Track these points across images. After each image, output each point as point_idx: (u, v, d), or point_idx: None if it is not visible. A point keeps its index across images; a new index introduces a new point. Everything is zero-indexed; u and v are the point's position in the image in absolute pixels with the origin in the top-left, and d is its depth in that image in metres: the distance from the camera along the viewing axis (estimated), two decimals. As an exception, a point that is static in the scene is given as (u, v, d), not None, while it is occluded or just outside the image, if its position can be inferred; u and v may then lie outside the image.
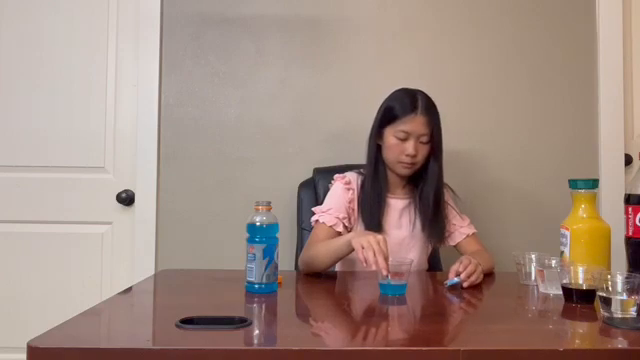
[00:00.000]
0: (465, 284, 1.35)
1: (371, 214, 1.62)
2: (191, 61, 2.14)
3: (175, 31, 2.14)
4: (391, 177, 1.69)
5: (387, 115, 1.64)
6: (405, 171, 1.64)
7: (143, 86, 2.13)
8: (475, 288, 1.39)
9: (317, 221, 1.63)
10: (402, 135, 1.60)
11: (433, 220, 1.65)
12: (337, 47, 2.14)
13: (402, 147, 1.60)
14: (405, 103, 1.62)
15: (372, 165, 1.67)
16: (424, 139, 1.61)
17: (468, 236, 1.70)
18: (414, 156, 1.60)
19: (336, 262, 1.54)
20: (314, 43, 2.14)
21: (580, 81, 2.14)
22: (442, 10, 2.14)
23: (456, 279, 1.36)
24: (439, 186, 1.66)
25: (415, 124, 1.60)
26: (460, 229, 1.70)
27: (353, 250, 1.39)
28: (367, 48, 2.13)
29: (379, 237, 1.34)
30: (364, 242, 1.33)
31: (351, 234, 1.48)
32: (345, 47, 2.14)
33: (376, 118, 1.68)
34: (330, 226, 1.60)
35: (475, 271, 1.38)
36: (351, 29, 2.14)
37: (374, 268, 1.28)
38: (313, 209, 1.68)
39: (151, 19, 2.13)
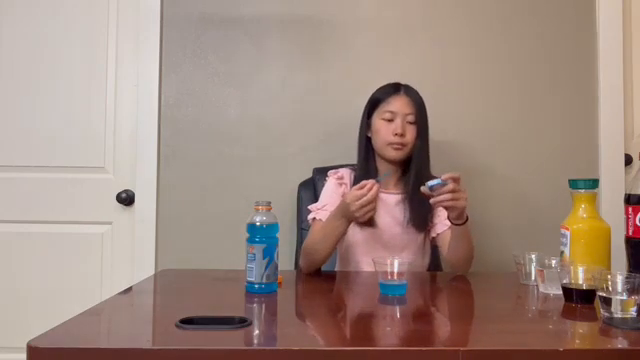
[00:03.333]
0: (450, 185, 1.38)
1: None
2: (191, 61, 2.14)
3: (175, 31, 2.14)
4: (383, 169, 1.69)
5: (372, 103, 1.70)
6: (395, 153, 1.64)
7: (143, 86, 2.13)
8: (475, 288, 1.39)
9: (314, 219, 1.63)
10: (388, 115, 1.65)
11: (415, 202, 1.63)
12: (337, 47, 2.14)
13: (389, 128, 1.64)
14: (388, 88, 1.70)
15: (363, 158, 1.70)
16: (410, 118, 1.65)
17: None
18: (402, 135, 1.62)
19: (337, 243, 1.53)
20: (314, 43, 2.14)
21: (580, 81, 2.14)
22: (442, 11, 2.14)
23: (438, 180, 1.38)
24: (424, 169, 1.66)
25: (399, 103, 1.65)
26: (444, 220, 1.65)
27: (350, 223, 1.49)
28: (367, 48, 2.13)
29: (353, 196, 1.41)
30: (354, 213, 1.41)
31: (337, 216, 1.48)
32: (345, 47, 2.14)
33: (363, 113, 1.73)
34: None
35: (461, 189, 1.42)
36: (351, 29, 2.14)
37: (375, 191, 1.40)
38: (309, 207, 1.68)
39: (151, 19, 2.13)
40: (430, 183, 1.39)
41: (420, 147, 1.66)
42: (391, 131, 1.63)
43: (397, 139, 1.62)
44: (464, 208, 1.47)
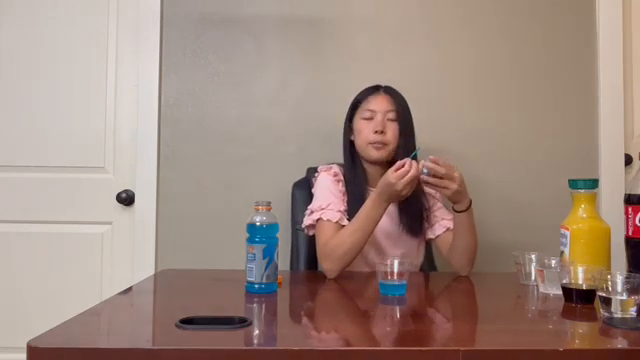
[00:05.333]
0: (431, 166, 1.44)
1: (355, 208, 1.57)
2: (191, 61, 2.14)
3: (175, 31, 2.14)
4: (370, 170, 1.68)
5: (353, 106, 1.70)
6: (376, 153, 1.61)
7: (143, 86, 2.13)
8: (475, 288, 1.39)
9: (320, 219, 1.58)
10: (368, 114, 1.64)
11: (405, 205, 1.62)
12: (337, 47, 2.14)
13: (369, 127, 1.62)
14: (367, 89, 1.70)
15: (349, 161, 1.68)
16: (391, 115, 1.63)
17: (449, 229, 1.63)
18: (382, 132, 1.60)
19: (372, 232, 1.51)
20: (314, 43, 2.14)
21: (580, 81, 2.14)
22: (441, 11, 2.14)
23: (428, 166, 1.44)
24: None
25: (379, 101, 1.65)
26: (442, 221, 1.66)
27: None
28: (367, 48, 2.13)
29: (396, 176, 1.42)
30: (401, 191, 1.42)
31: (377, 202, 1.47)
32: (345, 47, 2.14)
33: (346, 117, 1.72)
34: (336, 222, 1.56)
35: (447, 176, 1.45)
36: (351, 29, 2.14)
37: (415, 167, 1.42)
38: (310, 207, 1.62)
39: (151, 19, 2.13)
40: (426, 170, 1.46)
41: (404, 146, 1.62)
42: (371, 129, 1.61)
43: (377, 137, 1.60)
44: (454, 194, 1.48)
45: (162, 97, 2.13)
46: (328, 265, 1.50)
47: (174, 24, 2.14)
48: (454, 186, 1.46)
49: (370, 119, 1.63)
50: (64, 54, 2.17)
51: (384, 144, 1.61)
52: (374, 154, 1.62)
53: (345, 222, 1.57)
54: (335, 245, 1.49)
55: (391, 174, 1.42)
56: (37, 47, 2.17)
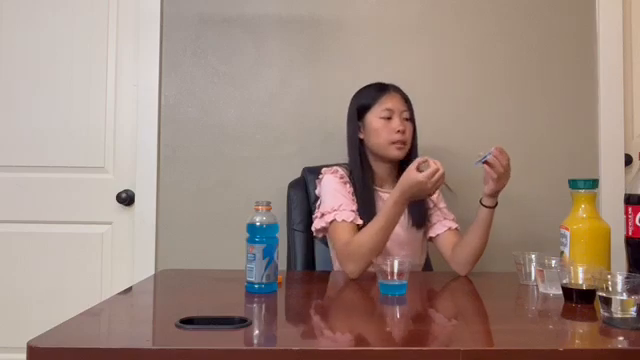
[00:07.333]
0: (496, 153, 1.43)
1: (364, 208, 1.59)
2: (191, 61, 2.14)
3: (175, 31, 2.14)
4: (379, 170, 1.68)
5: (362, 106, 1.68)
6: (398, 152, 1.62)
7: (143, 86, 2.13)
8: (475, 288, 1.38)
9: (334, 221, 1.57)
10: (386, 113, 1.63)
11: (412, 207, 1.61)
12: (337, 47, 2.14)
13: (389, 126, 1.62)
14: (375, 89, 1.69)
15: (357, 160, 1.66)
16: (405, 115, 1.65)
17: (450, 229, 1.66)
18: (403, 132, 1.62)
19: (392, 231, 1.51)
20: (314, 43, 2.14)
21: (580, 81, 2.14)
22: (442, 11, 2.14)
23: (488, 154, 1.43)
24: None
25: (394, 100, 1.65)
26: (443, 221, 1.67)
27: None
28: (367, 48, 2.13)
29: (427, 175, 1.40)
30: (431, 189, 1.42)
31: (400, 201, 1.45)
32: (345, 47, 2.14)
33: (350, 116, 1.70)
34: (351, 221, 1.56)
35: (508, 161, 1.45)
36: (351, 29, 2.14)
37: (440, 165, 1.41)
38: (320, 210, 1.62)
39: (151, 19, 2.13)
40: (481, 160, 1.45)
41: (414, 145, 1.67)
42: (392, 129, 1.61)
43: (399, 136, 1.61)
44: (501, 189, 1.51)
45: (162, 97, 2.13)
46: (351, 266, 1.48)
47: (174, 24, 2.14)
48: (506, 181, 1.49)
49: (388, 118, 1.63)
50: (64, 54, 2.17)
51: (404, 143, 1.63)
52: (396, 153, 1.62)
53: (359, 221, 1.57)
54: (358, 245, 1.48)
55: (421, 174, 1.41)
56: (37, 47, 2.17)
